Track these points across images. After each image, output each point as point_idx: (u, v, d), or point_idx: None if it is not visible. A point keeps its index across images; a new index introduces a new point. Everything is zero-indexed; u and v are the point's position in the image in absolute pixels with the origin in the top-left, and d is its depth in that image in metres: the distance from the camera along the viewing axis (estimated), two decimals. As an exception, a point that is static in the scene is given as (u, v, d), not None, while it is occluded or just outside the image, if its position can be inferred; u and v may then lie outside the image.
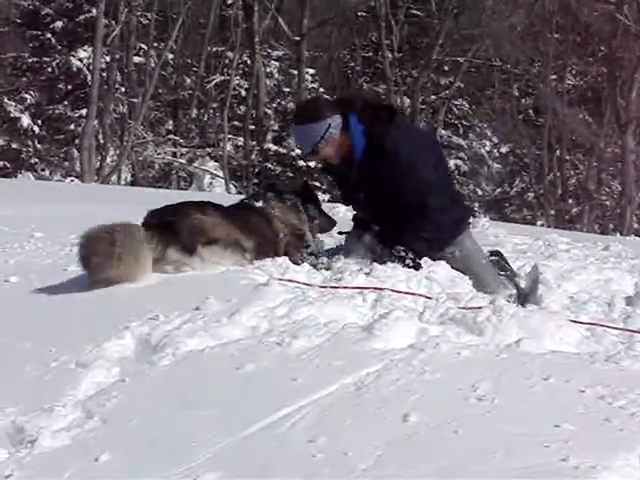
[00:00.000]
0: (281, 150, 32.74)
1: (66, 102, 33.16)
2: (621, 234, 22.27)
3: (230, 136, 35.90)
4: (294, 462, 2.95)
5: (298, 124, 5.98)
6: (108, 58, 33.72)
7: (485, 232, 9.67)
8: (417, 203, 5.80)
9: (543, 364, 3.88)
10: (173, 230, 5.44)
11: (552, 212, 34.64)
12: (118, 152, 33.66)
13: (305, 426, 3.20)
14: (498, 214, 33.37)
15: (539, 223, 32.13)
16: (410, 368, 3.76)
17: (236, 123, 37.38)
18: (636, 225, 31.78)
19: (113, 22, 33.37)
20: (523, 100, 38.89)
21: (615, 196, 34.01)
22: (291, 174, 32.25)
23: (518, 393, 3.52)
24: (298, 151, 32.11)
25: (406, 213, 5.81)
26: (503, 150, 38.06)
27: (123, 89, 36.17)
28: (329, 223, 6.45)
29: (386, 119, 5.86)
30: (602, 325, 4.79)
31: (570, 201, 35.52)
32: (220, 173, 34.76)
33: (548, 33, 34.84)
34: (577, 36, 35.81)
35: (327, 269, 5.71)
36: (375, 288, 5.06)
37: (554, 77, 35.84)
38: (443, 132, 37.48)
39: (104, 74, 33.10)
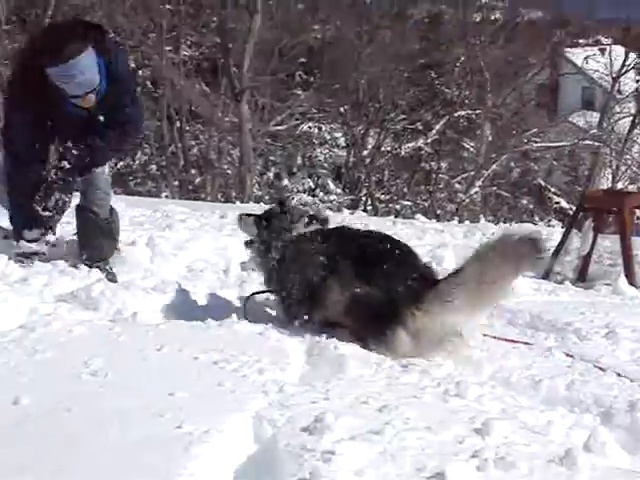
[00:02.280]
0: None
1: None
2: (242, 202, 22.81)
3: None
4: None
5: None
6: None
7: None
8: None
9: (157, 334, 3.90)
10: None
11: (176, 183, 34.92)
12: None
13: None
14: (122, 187, 33.20)
15: (164, 195, 32.31)
16: (20, 350, 3.65)
17: None
18: (257, 192, 32.72)
19: None
20: (140, 72, 38.84)
21: (236, 164, 34.80)
22: None
23: (132, 365, 3.52)
24: None
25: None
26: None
27: None
28: None
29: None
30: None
31: (193, 171, 35.94)
32: None
33: (161, 4, 34.98)
34: (189, 7, 36.23)
35: None
36: None
37: (169, 48, 36.05)
38: None
39: None
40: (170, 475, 2.58)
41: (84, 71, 5.27)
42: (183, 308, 4.78)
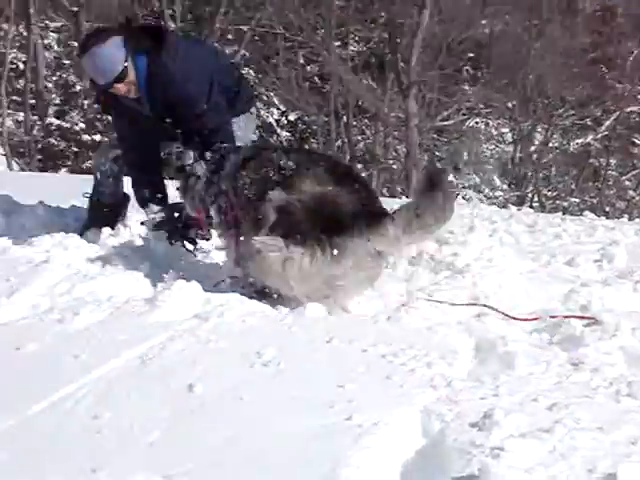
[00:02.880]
0: (64, 124, 31.94)
1: None
2: (407, 197, 22.82)
3: (10, 111, 34.74)
4: (79, 438, 2.88)
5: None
6: None
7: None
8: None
9: (327, 327, 3.94)
10: None
11: (341, 177, 35.14)
12: None
13: (90, 402, 3.13)
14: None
15: (329, 188, 32.51)
16: (194, 338, 3.74)
17: (15, 98, 36.18)
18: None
19: None
20: (308, 67, 39.21)
21: (402, 160, 34.82)
22: (76, 149, 31.56)
23: (303, 356, 3.56)
24: (82, 125, 31.45)
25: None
26: (291, 118, 38.28)
27: None
28: None
29: (154, 43, 5.63)
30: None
31: (359, 166, 36.16)
32: (1, 150, 33.63)
33: (330, 0, 35.27)
34: (358, 2, 36.41)
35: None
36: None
37: (338, 44, 36.33)
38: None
39: None
40: (339, 466, 2.61)
41: (102, 61, 5.41)
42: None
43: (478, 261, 5.46)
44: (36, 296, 4.33)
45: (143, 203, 5.94)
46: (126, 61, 5.46)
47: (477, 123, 37.34)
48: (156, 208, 5.86)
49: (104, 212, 6.26)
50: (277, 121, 37.31)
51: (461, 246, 5.86)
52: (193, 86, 5.63)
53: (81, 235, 5.82)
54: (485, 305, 4.60)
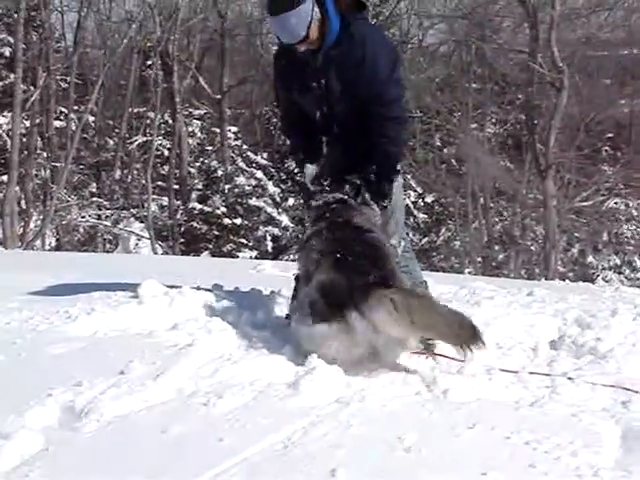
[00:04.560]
0: (206, 208, 32.63)
1: (-14, 169, 32.83)
2: (546, 279, 22.52)
3: (154, 196, 35.75)
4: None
5: (284, 11, 5.43)
6: (28, 123, 33.47)
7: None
8: (381, 108, 5.56)
9: (468, 412, 3.90)
10: None
11: (479, 259, 34.99)
12: (42, 217, 33.25)
13: (234, 486, 3.17)
14: (426, 263, 33.54)
15: (467, 271, 32.38)
16: (336, 423, 3.75)
17: (160, 183, 37.24)
18: (561, 269, 32.23)
19: (32, 87, 33.21)
20: (445, 150, 39.33)
21: (539, 241, 34.45)
22: (217, 233, 32.16)
23: (444, 443, 3.53)
24: (224, 209, 32.06)
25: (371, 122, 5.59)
26: (428, 200, 38.34)
27: (44, 154, 35.81)
28: None
29: (357, 8, 5.65)
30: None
31: (496, 248, 35.92)
32: (145, 234, 34.54)
33: (466, 83, 35.45)
34: (495, 85, 36.49)
35: None
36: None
37: (474, 126, 36.42)
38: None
39: (24, 139, 32.81)
40: None
41: (292, 23, 5.37)
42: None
43: (622, 346, 5.35)
44: (181, 379, 4.41)
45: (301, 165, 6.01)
46: (312, 18, 5.42)
47: (616, 203, 36.76)
48: (311, 167, 5.88)
49: None
50: (414, 203, 37.40)
51: (604, 330, 5.76)
52: (385, 69, 5.55)
53: (289, 316, 5.87)
54: (627, 389, 4.50)
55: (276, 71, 6.06)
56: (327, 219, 5.41)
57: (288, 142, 6.23)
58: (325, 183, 5.72)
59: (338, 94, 5.64)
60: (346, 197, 5.55)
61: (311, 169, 5.90)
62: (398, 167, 5.85)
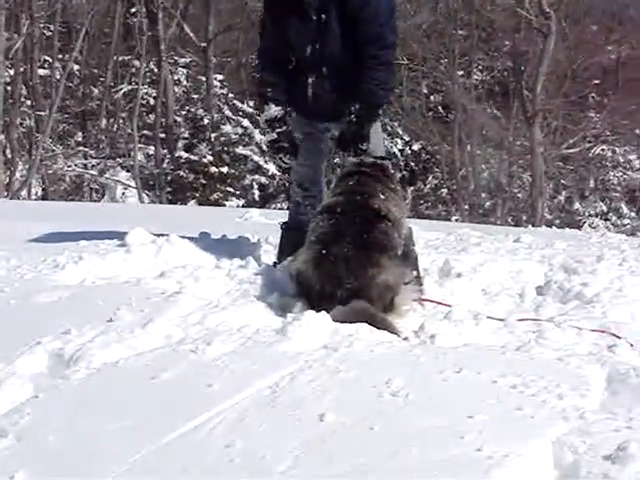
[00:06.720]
0: (193, 157, 32.53)
1: (-31, 118, 32.59)
2: (533, 225, 22.58)
3: (141, 145, 35.59)
4: (212, 467, 2.93)
5: None
6: (12, 71, 33.21)
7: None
8: (377, 46, 5.62)
9: (455, 357, 3.92)
10: None
11: (466, 207, 35.04)
12: (27, 166, 33.10)
13: (222, 431, 3.18)
14: (413, 211, 33.55)
15: (454, 218, 32.46)
16: (324, 368, 3.77)
17: (146, 132, 37.05)
18: (548, 216, 32.30)
19: (15, 35, 32.90)
20: (432, 97, 39.21)
21: (526, 188, 34.47)
22: (204, 181, 32.09)
23: (431, 387, 3.55)
24: (210, 158, 31.95)
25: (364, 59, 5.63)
26: (415, 147, 38.25)
27: (29, 102, 35.57)
28: None
29: None
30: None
31: (483, 195, 35.93)
32: (132, 183, 34.43)
33: (453, 30, 35.26)
34: (482, 32, 36.32)
35: None
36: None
37: (461, 73, 36.27)
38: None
39: (8, 88, 32.55)
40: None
41: None
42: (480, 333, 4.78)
43: (608, 291, 5.38)
44: (169, 326, 4.42)
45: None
46: None
47: (603, 150, 36.75)
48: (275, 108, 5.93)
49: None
50: (401, 151, 37.31)
51: (590, 275, 5.80)
52: (385, 13, 5.63)
53: (277, 264, 5.89)
54: (615, 335, 4.53)
55: (270, 1, 5.99)
56: (348, 195, 5.40)
57: (260, 78, 6.11)
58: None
59: (336, 30, 5.63)
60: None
61: (273, 110, 5.89)
62: (379, 111, 5.88)
